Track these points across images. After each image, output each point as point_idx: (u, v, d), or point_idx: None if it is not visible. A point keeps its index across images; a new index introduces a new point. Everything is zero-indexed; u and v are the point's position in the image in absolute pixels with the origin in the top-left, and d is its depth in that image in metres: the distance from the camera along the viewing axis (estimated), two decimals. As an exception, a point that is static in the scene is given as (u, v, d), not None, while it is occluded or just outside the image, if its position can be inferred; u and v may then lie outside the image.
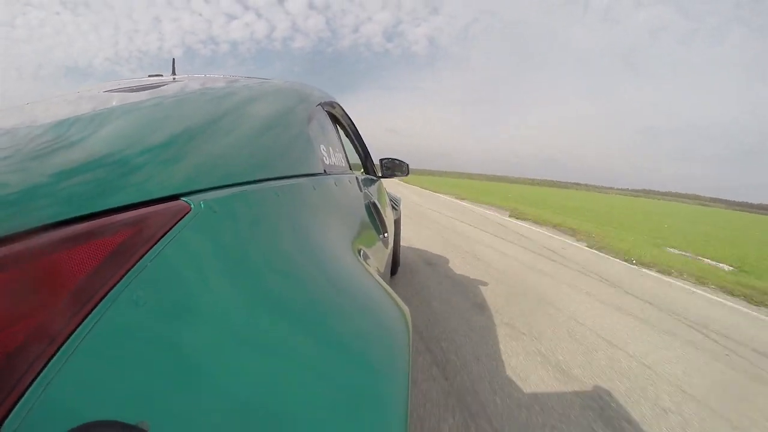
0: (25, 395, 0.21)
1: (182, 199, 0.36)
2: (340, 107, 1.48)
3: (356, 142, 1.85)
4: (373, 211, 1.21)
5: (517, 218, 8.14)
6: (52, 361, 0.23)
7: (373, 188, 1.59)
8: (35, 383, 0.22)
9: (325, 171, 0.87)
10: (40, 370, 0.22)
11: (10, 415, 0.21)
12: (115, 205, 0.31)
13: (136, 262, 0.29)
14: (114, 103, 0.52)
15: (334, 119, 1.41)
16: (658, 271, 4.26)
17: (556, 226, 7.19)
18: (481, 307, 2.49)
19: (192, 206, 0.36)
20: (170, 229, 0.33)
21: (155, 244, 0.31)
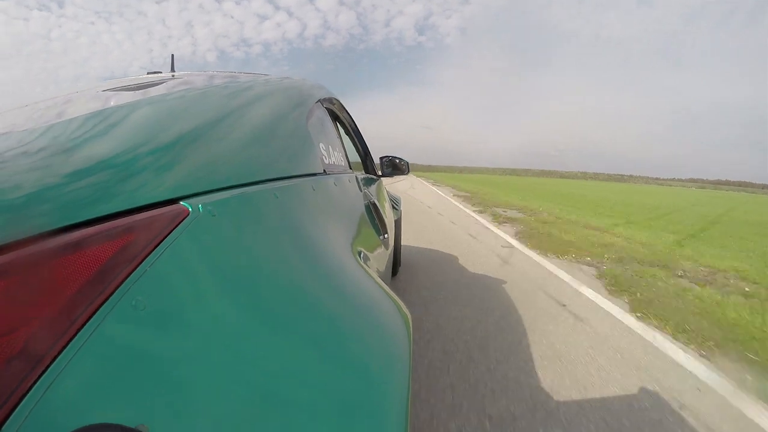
0: (25, 398, 0.21)
1: (181, 202, 0.36)
2: (340, 103, 1.47)
3: (356, 140, 1.84)
4: (373, 211, 1.20)
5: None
6: (53, 364, 0.23)
7: (373, 188, 1.58)
8: (35, 386, 0.22)
9: (324, 171, 0.86)
10: (41, 374, 0.22)
11: (10, 418, 0.21)
12: (114, 211, 0.31)
13: (136, 267, 0.29)
14: (112, 104, 0.52)
15: (334, 116, 1.40)
16: None
17: None
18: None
19: (191, 210, 0.36)
20: (169, 233, 0.33)
21: (155, 248, 0.31)
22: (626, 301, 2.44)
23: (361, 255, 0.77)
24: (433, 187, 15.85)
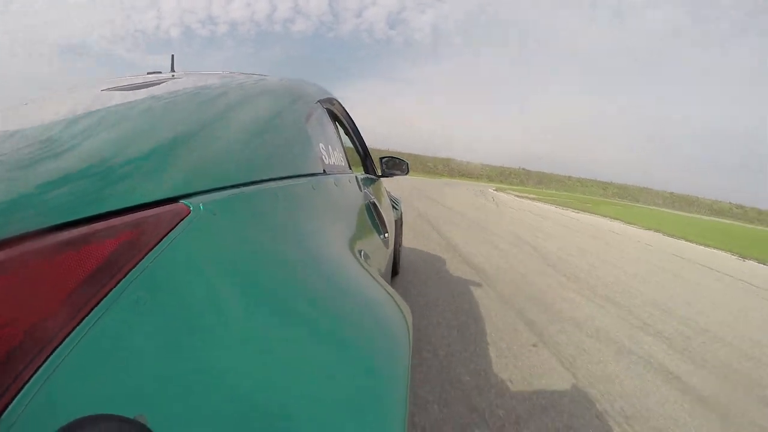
0: (24, 390, 0.22)
1: (182, 201, 0.36)
2: (339, 104, 1.47)
3: (356, 140, 1.84)
4: (373, 211, 1.20)
5: None
6: (51, 357, 0.23)
7: (372, 188, 1.58)
8: (33, 379, 0.22)
9: (324, 171, 0.86)
10: (41, 364, 0.23)
11: (9, 408, 0.21)
12: (116, 208, 0.31)
13: (137, 263, 0.29)
14: (112, 103, 0.52)
15: (333, 117, 1.40)
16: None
17: None
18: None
19: (191, 208, 0.36)
20: (170, 231, 0.33)
21: (155, 246, 0.31)
22: None
23: (362, 254, 0.77)
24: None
